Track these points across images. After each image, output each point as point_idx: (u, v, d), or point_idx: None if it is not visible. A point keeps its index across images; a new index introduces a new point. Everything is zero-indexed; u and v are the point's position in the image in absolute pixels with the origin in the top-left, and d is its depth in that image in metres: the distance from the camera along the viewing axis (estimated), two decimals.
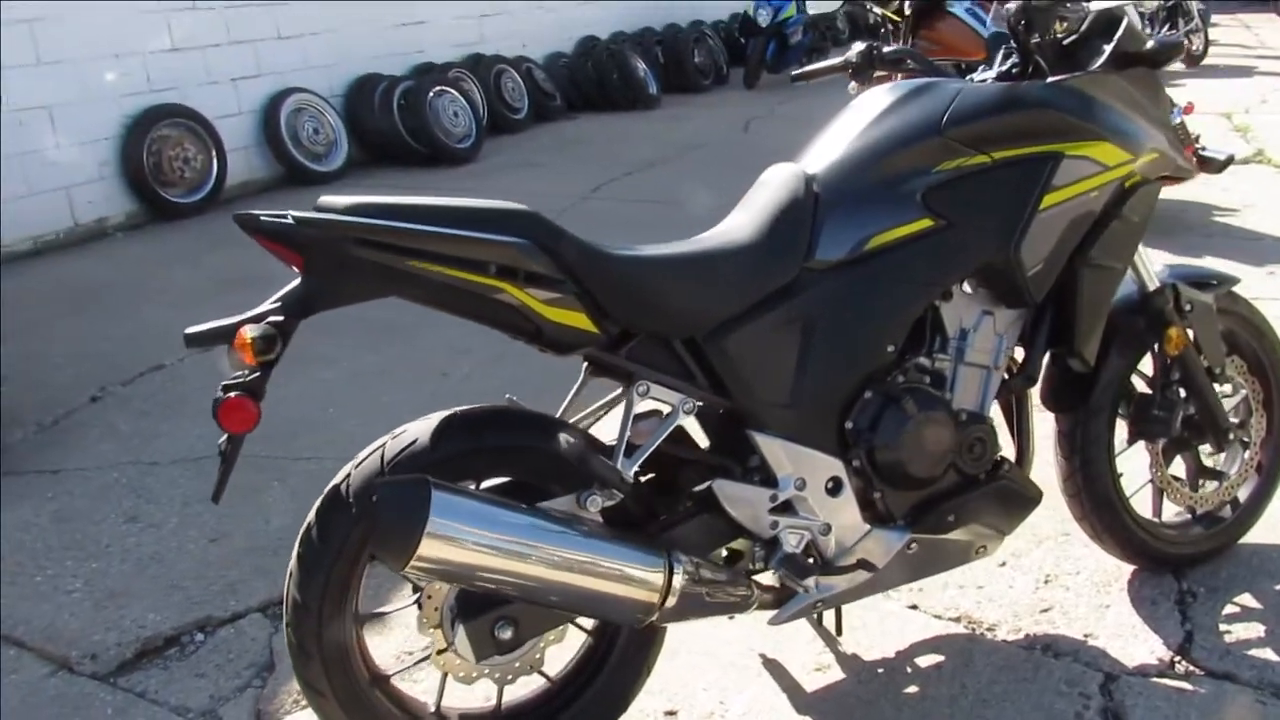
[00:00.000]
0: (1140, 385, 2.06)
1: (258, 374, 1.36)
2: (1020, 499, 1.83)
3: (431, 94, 6.82)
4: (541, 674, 1.67)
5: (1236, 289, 2.11)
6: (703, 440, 1.73)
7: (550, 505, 1.49)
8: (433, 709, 1.63)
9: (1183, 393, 2.01)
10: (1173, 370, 2.00)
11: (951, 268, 1.70)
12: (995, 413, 1.81)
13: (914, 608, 2.09)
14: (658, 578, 1.48)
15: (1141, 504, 2.09)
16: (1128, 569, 2.15)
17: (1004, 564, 2.21)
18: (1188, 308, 1.98)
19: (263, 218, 1.36)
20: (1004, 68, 1.88)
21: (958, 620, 2.05)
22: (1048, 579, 2.16)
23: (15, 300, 4.28)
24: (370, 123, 6.82)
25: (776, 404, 1.63)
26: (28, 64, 5.07)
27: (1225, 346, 2.07)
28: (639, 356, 1.55)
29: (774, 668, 1.93)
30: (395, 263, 1.38)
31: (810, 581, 1.68)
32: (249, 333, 1.33)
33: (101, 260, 5.04)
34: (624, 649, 1.68)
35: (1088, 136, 1.74)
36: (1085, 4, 1.85)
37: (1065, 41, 1.86)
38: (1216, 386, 2.05)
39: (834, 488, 1.67)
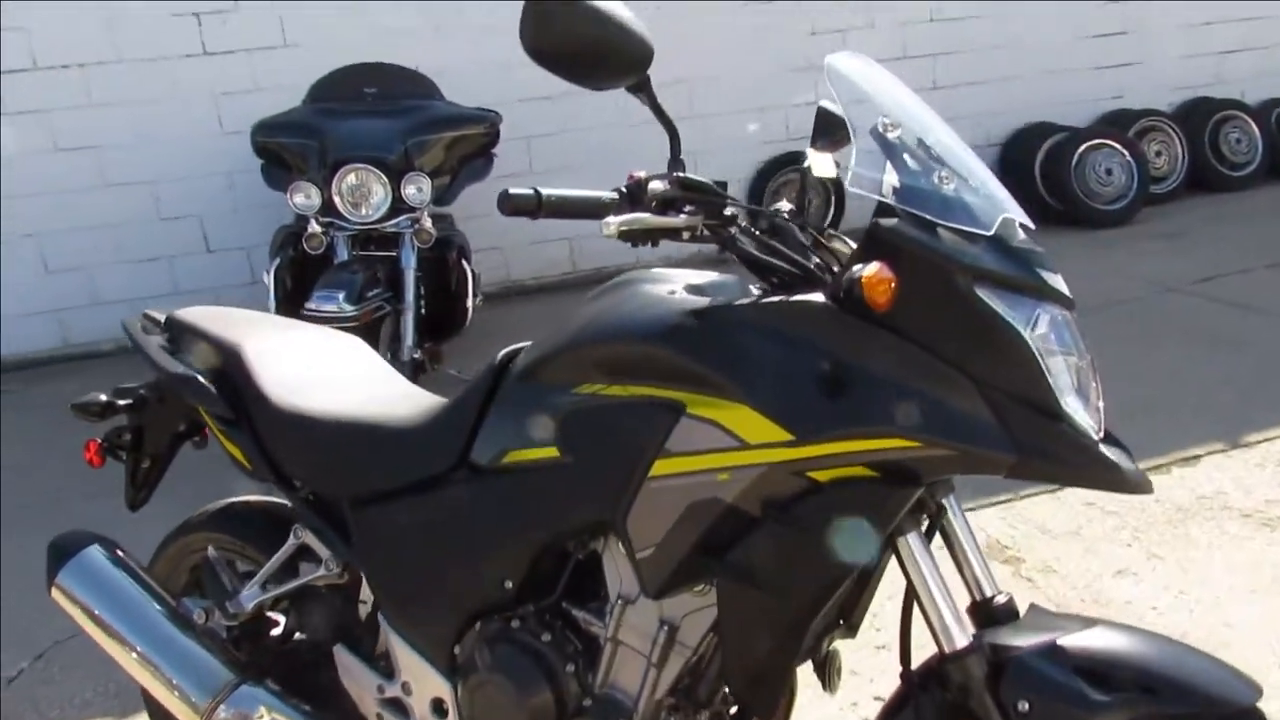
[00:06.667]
0: None
1: (113, 430, 1.94)
2: None
3: (1083, 148, 6.14)
4: None
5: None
6: None
7: (192, 605, 1.76)
8: None
9: None
10: None
11: (561, 515, 1.39)
12: None
13: None
14: (205, 699, 1.64)
15: None
16: None
17: None
18: (1023, 708, 1.17)
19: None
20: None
21: None
22: None
23: None
24: (1018, 176, 6.46)
25: (400, 599, 1.58)
26: (685, 116, 6.16)
27: None
28: (313, 503, 1.68)
29: None
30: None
31: None
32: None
33: None
34: None
35: (717, 393, 1.21)
36: None
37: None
38: None
39: (440, 710, 1.55)
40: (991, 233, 1.19)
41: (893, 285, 1.15)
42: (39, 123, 5.14)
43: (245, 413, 1.68)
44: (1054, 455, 1.15)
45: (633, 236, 1.24)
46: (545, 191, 1.22)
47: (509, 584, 1.45)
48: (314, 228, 3.81)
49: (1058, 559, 2.65)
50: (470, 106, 4.44)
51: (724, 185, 1.33)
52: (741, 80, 6.18)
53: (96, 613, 1.73)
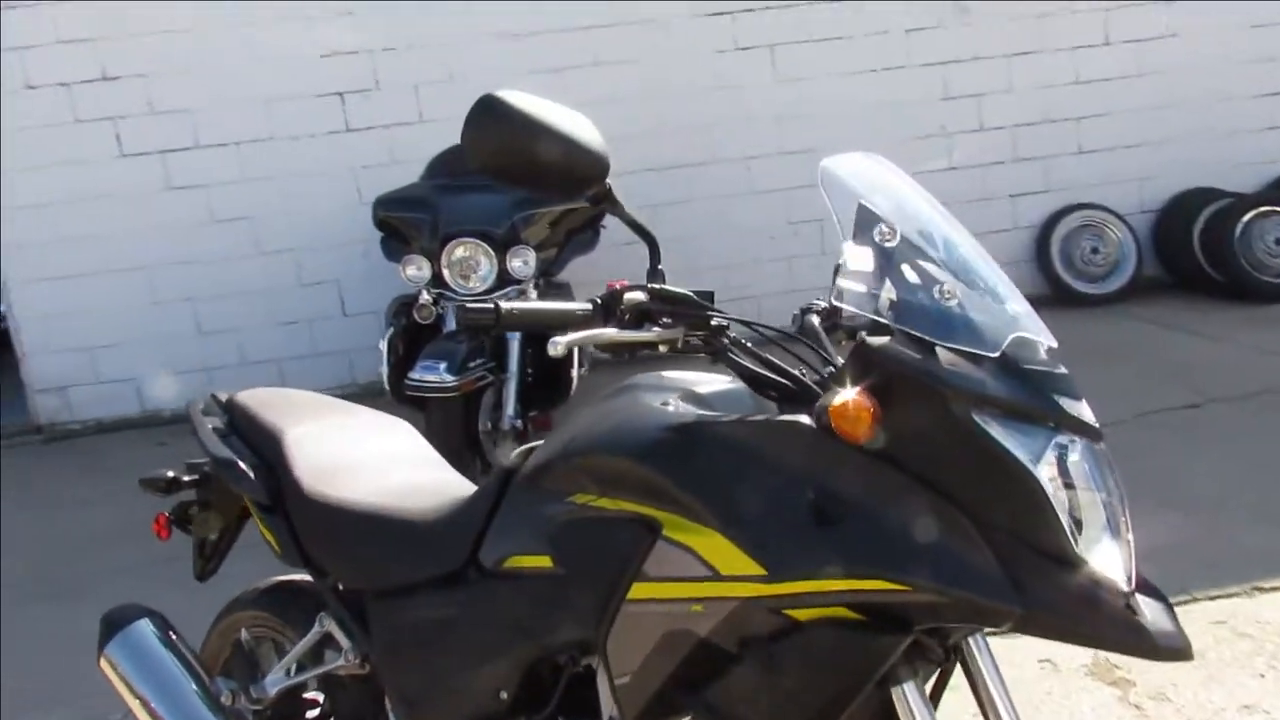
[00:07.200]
0: None
1: (180, 504, 2.01)
2: None
3: (1250, 215, 5.67)
4: None
5: None
6: None
7: (223, 685, 1.77)
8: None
9: None
10: None
11: (549, 629, 1.33)
12: None
13: None
14: None
15: None
16: None
17: None
18: None
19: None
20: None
21: None
22: None
23: None
24: (1174, 245, 6.04)
25: (406, 698, 1.56)
26: (810, 184, 6.05)
27: None
28: (340, 592, 1.68)
29: None
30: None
31: None
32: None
33: None
34: None
35: (692, 516, 1.12)
36: None
37: None
38: None
39: None
40: (997, 354, 1.07)
41: (871, 415, 1.05)
42: (200, 196, 5.56)
43: (280, 498, 1.71)
44: (1066, 610, 1.01)
45: (609, 349, 1.19)
46: (505, 306, 1.19)
47: (504, 695, 1.40)
48: (424, 298, 3.93)
49: (1174, 685, 2.37)
50: None
51: (710, 295, 1.26)
52: (869, 147, 6.02)
53: (135, 686, 1.78)
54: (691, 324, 1.22)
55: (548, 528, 1.33)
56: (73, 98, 5.33)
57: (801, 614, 1.08)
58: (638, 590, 1.18)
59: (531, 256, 3.87)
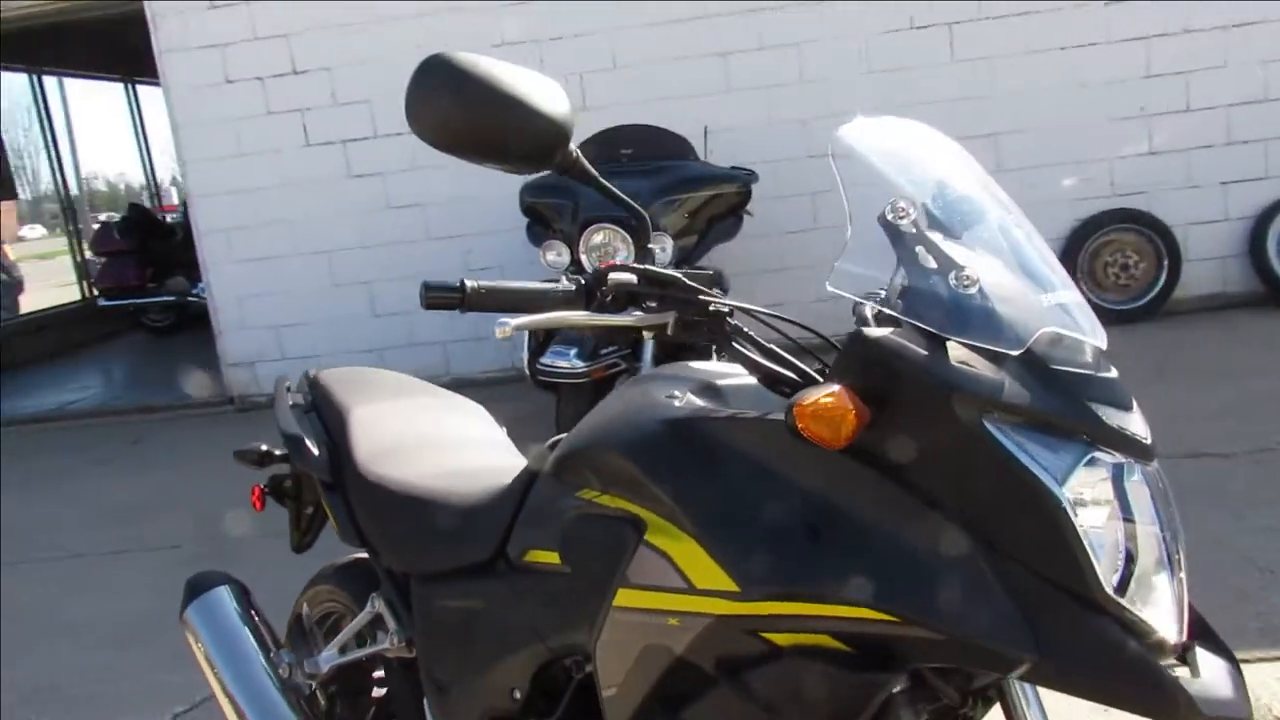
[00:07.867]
0: None
1: (275, 478, 2.09)
2: None
3: None
4: None
5: None
6: None
7: (285, 657, 1.81)
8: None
9: None
10: None
11: (554, 627, 1.27)
12: None
13: None
14: None
15: None
16: None
17: None
18: None
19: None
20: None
21: None
22: None
23: None
24: None
25: (435, 686, 1.54)
26: (990, 173, 5.68)
27: None
28: (391, 573, 1.69)
29: None
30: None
31: None
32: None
33: None
34: None
35: (671, 520, 1.02)
36: None
37: None
38: None
39: None
40: (1020, 352, 0.91)
41: (854, 417, 0.91)
42: (377, 184, 5.85)
43: (341, 476, 1.73)
44: (1089, 662, 0.85)
45: (602, 331, 1.11)
46: (471, 284, 1.12)
47: (517, 694, 1.35)
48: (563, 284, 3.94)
49: None
50: (726, 166, 4.40)
51: (709, 279, 1.14)
52: (1059, 131, 5.59)
53: (206, 648, 1.85)
54: (687, 309, 1.12)
55: (558, 523, 1.26)
56: (266, 91, 5.71)
57: (781, 639, 0.96)
58: (622, 597, 1.10)
59: (669, 243, 3.80)
